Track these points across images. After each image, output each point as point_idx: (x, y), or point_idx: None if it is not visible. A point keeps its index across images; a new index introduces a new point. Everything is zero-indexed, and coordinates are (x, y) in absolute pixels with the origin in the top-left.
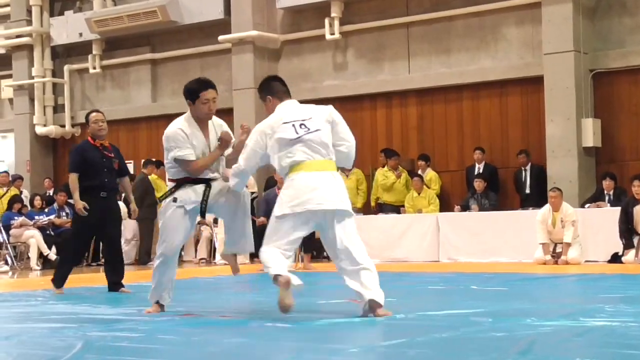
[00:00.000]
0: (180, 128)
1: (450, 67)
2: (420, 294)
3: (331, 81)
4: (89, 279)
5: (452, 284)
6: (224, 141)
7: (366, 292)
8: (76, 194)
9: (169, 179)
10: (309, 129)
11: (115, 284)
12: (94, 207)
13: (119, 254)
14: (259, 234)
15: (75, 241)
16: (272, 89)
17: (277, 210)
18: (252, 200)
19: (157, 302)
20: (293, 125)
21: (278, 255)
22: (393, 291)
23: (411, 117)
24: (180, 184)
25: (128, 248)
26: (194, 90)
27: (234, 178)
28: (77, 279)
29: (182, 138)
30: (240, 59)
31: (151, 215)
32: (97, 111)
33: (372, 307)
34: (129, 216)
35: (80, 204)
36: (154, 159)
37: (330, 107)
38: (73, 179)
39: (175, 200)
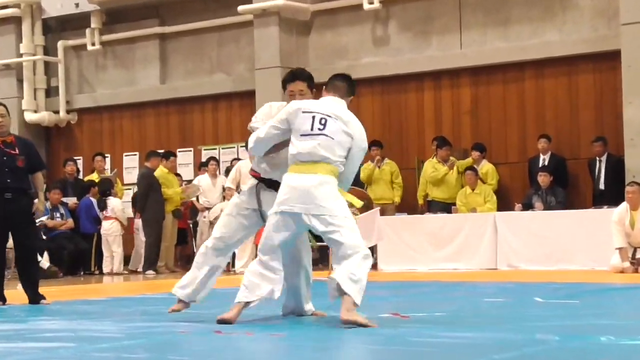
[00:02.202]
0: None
1: (510, 41)
2: (475, 307)
3: (370, 58)
4: (87, 291)
5: (513, 295)
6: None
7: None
8: None
9: None
10: (324, 127)
11: (34, 294)
12: None
13: (31, 261)
14: None
15: None
16: (328, 82)
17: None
18: None
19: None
20: (313, 117)
21: (259, 271)
22: (443, 304)
23: (464, 100)
24: None
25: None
26: (283, 81)
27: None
28: (73, 291)
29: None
30: (263, 33)
31: (157, 215)
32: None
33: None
34: (34, 215)
35: None
36: (161, 151)
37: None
38: None
39: None
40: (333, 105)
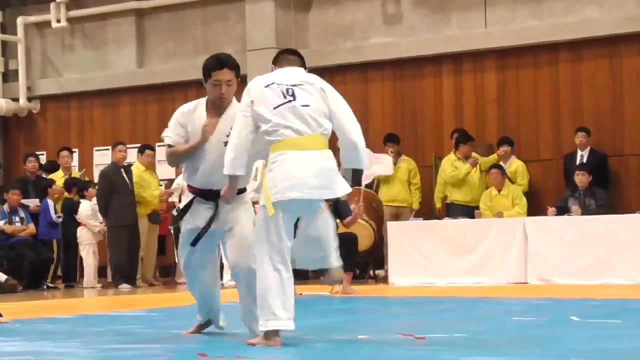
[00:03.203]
0: (186, 107)
1: (542, 19)
2: (501, 327)
3: (380, 38)
4: (51, 307)
5: (545, 313)
6: (203, 133)
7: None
8: None
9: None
10: (294, 97)
11: None
12: None
13: None
14: None
15: None
16: (277, 58)
17: (260, 200)
18: None
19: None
20: (281, 90)
21: (278, 282)
22: (464, 324)
23: (489, 87)
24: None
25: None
26: (206, 68)
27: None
28: (34, 308)
29: (178, 116)
30: (256, 9)
31: (124, 221)
32: None
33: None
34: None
35: None
36: (136, 145)
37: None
38: None
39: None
40: (294, 73)
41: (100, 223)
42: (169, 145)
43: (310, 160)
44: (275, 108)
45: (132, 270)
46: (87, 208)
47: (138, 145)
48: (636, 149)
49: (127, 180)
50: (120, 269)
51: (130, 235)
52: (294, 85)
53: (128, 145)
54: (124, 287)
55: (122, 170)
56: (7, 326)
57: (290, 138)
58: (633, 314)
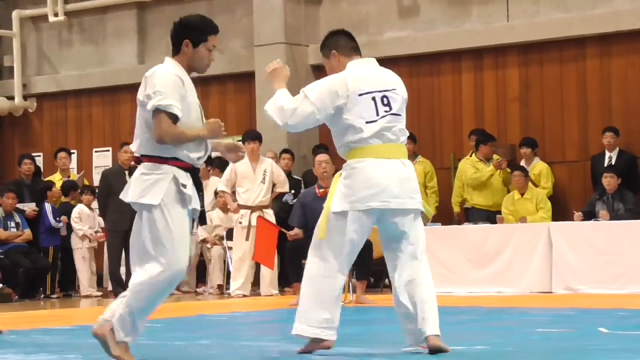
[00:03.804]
0: (176, 74)
1: (568, 12)
2: (524, 339)
3: (395, 32)
4: (47, 317)
5: (571, 324)
6: (215, 127)
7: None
8: None
9: (142, 155)
10: (390, 109)
11: None
12: None
13: None
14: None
15: None
16: (337, 43)
17: (335, 206)
18: (284, 204)
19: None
20: (373, 98)
21: (327, 291)
22: (485, 335)
23: (511, 84)
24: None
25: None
26: (202, 28)
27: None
28: (31, 318)
29: (175, 85)
30: (264, 1)
31: (120, 225)
32: None
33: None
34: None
35: None
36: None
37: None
38: None
39: (184, 186)
40: (383, 75)
41: (89, 228)
42: (175, 117)
43: (393, 169)
44: (370, 122)
45: (128, 277)
46: (75, 212)
47: None
48: None
49: (124, 183)
50: (117, 276)
51: (123, 242)
52: (387, 91)
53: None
54: (123, 295)
55: (126, 173)
56: (1, 337)
57: (375, 145)
58: None
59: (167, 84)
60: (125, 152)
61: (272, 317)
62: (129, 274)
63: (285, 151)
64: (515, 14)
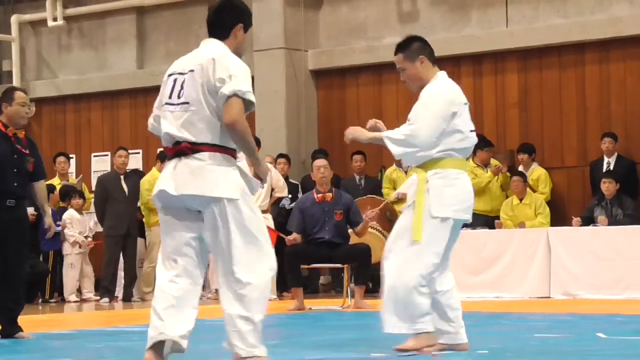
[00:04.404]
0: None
1: (568, 17)
2: (523, 345)
3: (395, 38)
4: (44, 321)
5: (570, 330)
6: (265, 172)
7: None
8: None
9: (203, 144)
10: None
11: (10, 324)
12: None
13: (17, 283)
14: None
15: None
16: (425, 49)
17: (436, 210)
18: (281, 209)
19: None
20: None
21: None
22: (484, 341)
23: (510, 89)
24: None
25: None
26: (250, 15)
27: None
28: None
29: (247, 71)
30: (264, 6)
31: (116, 230)
32: (23, 90)
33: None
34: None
35: None
36: (139, 150)
37: None
38: None
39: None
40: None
41: (80, 233)
42: (250, 105)
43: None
44: (471, 131)
45: (112, 283)
46: (66, 216)
47: (139, 150)
48: None
49: (125, 189)
50: (105, 282)
51: (120, 247)
52: (466, 104)
53: (129, 151)
54: (103, 301)
55: (122, 177)
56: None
57: (462, 158)
58: None
59: (240, 68)
60: (120, 157)
61: (270, 321)
62: (130, 278)
63: (281, 155)
64: (515, 19)
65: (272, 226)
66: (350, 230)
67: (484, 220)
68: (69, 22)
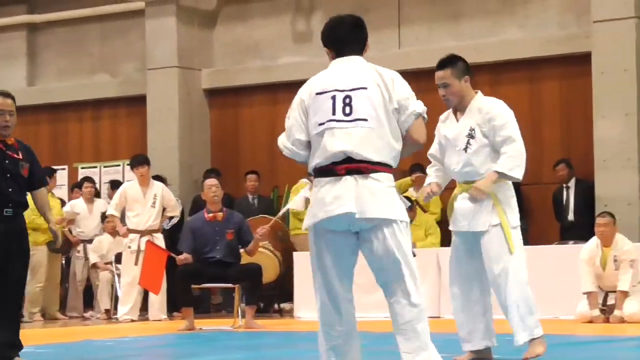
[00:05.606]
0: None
1: (461, 39)
2: None
3: (290, 58)
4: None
5: (459, 351)
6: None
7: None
8: None
9: (381, 164)
10: None
11: (9, 346)
12: None
13: (18, 302)
14: (182, 275)
15: None
16: (468, 69)
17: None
18: (172, 227)
19: None
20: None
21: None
22: None
23: None
24: None
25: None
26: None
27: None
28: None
29: None
30: (157, 25)
31: None
32: (8, 95)
33: None
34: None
35: None
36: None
37: None
38: None
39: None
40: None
41: None
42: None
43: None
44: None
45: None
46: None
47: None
48: (554, 178)
49: None
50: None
51: None
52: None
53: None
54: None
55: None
56: None
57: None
58: (549, 350)
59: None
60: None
61: (160, 342)
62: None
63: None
64: (408, 41)
65: (163, 246)
66: (242, 250)
67: None
68: None
